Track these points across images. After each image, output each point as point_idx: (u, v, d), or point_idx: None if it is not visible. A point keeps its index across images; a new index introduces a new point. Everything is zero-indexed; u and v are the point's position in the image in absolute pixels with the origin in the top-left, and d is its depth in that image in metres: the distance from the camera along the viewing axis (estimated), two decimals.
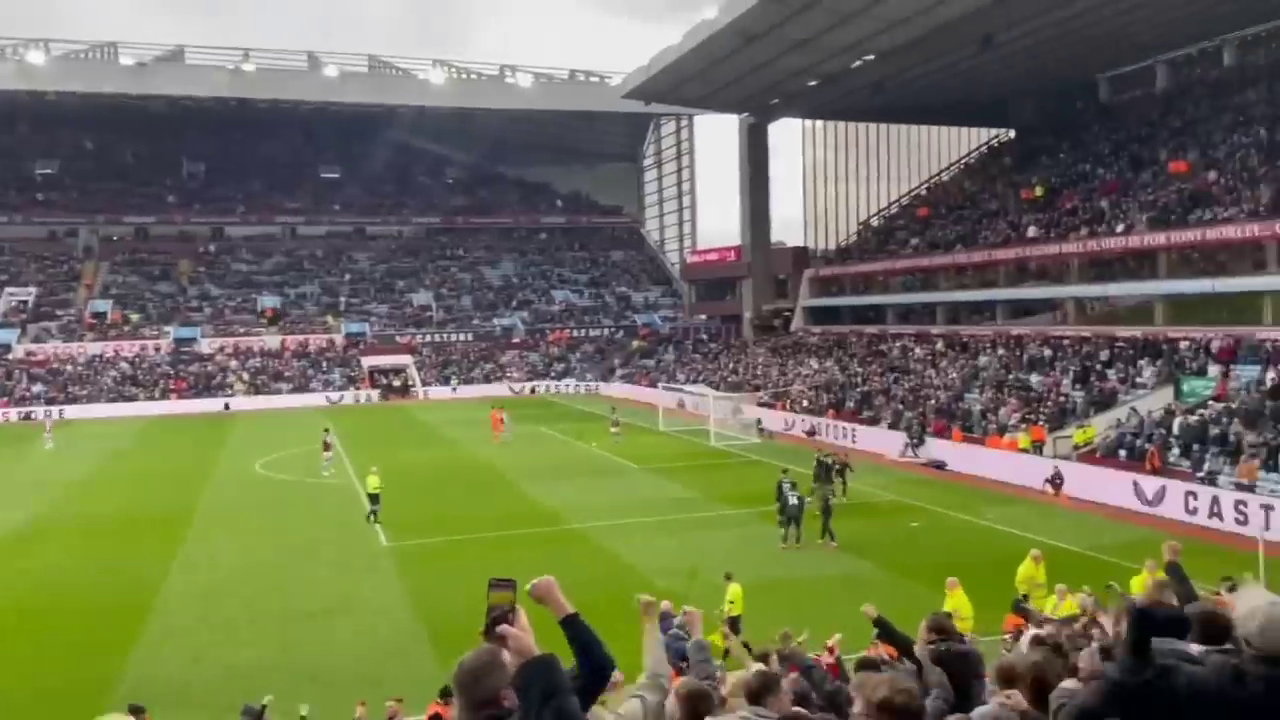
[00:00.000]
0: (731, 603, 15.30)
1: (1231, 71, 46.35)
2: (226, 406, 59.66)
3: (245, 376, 63.49)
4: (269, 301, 72.38)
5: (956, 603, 14.41)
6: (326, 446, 35.93)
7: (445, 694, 10.52)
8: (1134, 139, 45.75)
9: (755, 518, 25.01)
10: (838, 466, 27.64)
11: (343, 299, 74.42)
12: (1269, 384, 27.77)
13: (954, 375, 40.37)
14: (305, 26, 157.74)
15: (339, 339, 69.45)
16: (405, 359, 68.19)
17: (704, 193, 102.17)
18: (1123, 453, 28.38)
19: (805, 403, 44.08)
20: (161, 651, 16.47)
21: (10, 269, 71.23)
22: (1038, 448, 30.64)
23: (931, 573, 19.00)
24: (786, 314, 61.80)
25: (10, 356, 62.44)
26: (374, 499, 25.98)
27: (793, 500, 22.50)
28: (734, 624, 13.98)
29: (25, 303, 67.52)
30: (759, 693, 4.50)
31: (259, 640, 17.02)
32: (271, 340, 68.02)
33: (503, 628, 2.85)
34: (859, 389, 43.11)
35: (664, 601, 13.98)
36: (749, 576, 20.37)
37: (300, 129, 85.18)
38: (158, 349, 65.35)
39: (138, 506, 29.31)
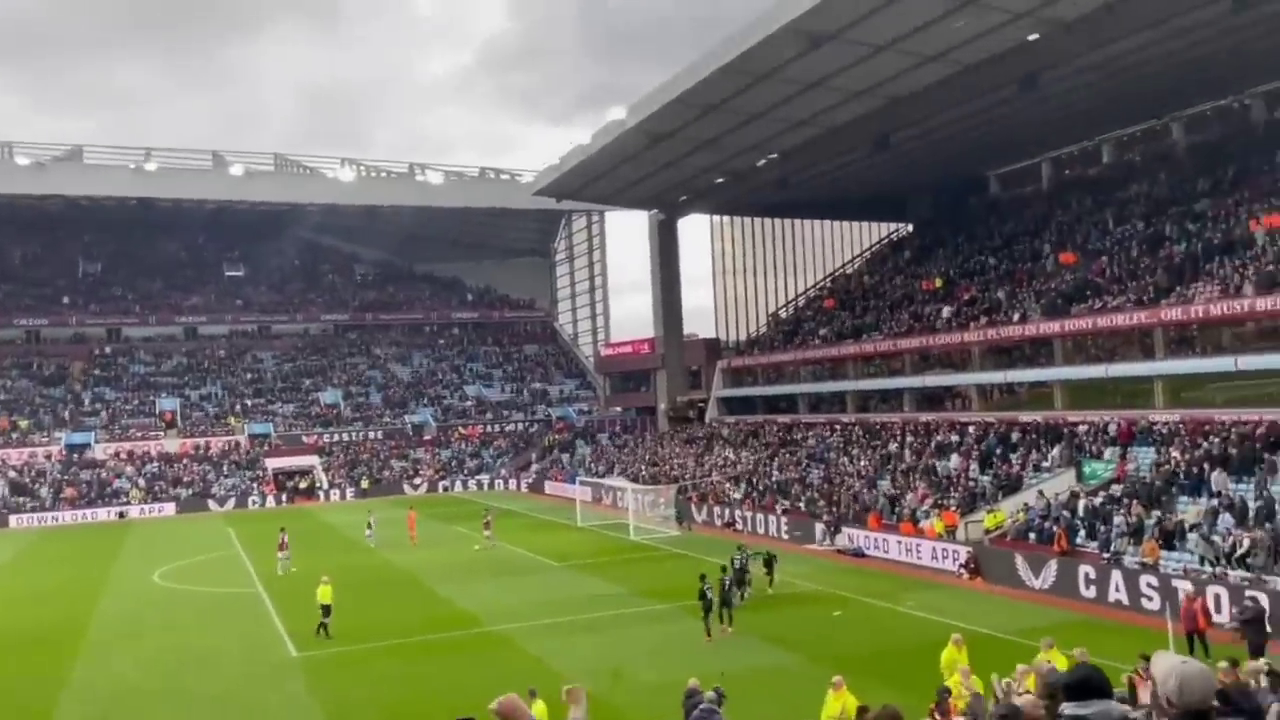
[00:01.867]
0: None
1: (1110, 169, 49.32)
2: (122, 515, 57.00)
3: (141, 483, 60.91)
4: (168, 404, 69.99)
5: (841, 704, 13.76)
6: (282, 545, 34.93)
7: None
8: (1024, 232, 48.05)
9: (679, 612, 24.73)
10: (765, 558, 27.82)
11: (246, 400, 72.42)
12: (1163, 466, 28.91)
13: (866, 463, 41.05)
14: (208, 125, 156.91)
15: (242, 440, 67.34)
16: (312, 459, 66.38)
17: (616, 284, 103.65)
18: (1032, 535, 29.06)
19: (734, 494, 44.13)
20: None
21: None
22: (950, 533, 31.17)
23: (858, 664, 18.99)
24: (701, 405, 62.31)
25: None
26: (326, 610, 24.20)
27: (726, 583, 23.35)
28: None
29: None
30: None
31: None
32: (170, 444, 65.62)
33: None
34: (775, 478, 43.45)
35: (691, 681, 14.25)
36: (675, 672, 20.05)
37: (204, 227, 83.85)
38: (48, 456, 62.39)
39: (26, 624, 27.48)
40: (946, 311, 44.15)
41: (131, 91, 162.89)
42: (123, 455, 63.58)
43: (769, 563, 27.79)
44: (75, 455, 62.92)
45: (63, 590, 32.80)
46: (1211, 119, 44.98)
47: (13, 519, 55.18)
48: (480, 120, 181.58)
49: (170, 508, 58.62)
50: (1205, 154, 42.69)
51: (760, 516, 39.61)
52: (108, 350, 75.46)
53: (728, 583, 23.83)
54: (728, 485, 45.12)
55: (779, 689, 18.33)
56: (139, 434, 66.38)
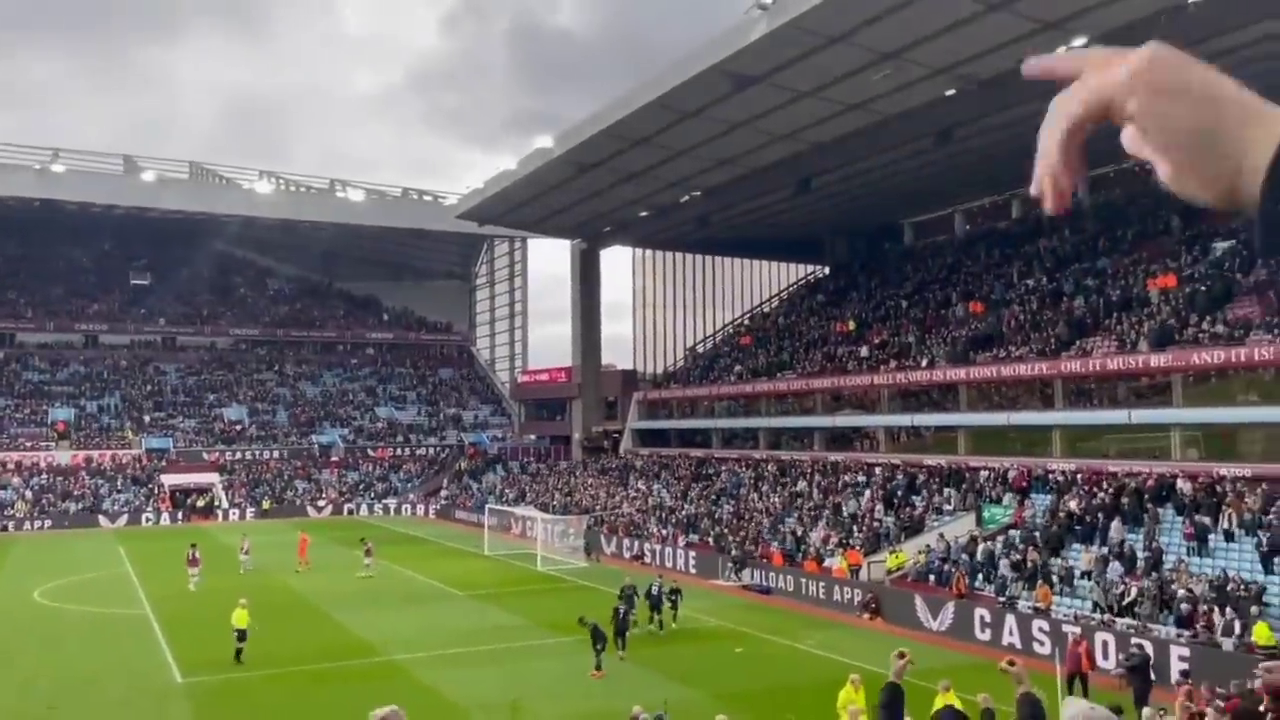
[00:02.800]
0: None
1: (1019, 223, 51.10)
2: (5, 528, 54.34)
3: (28, 495, 58.20)
4: (61, 414, 67.16)
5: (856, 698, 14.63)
6: (194, 561, 34.53)
7: None
8: (934, 280, 49.43)
9: (583, 645, 24.47)
10: (669, 590, 27.82)
11: (146, 414, 69.91)
12: (1059, 513, 29.83)
13: (775, 499, 41.45)
14: (121, 129, 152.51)
15: (139, 455, 64.91)
16: (212, 477, 64.31)
17: (536, 311, 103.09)
18: (931, 578, 29.63)
19: (653, 526, 44.03)
20: None
21: None
22: (855, 572, 31.61)
23: (756, 700, 19.05)
24: (615, 435, 62.27)
25: None
26: (241, 635, 23.17)
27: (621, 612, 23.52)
28: None
29: None
30: None
31: None
32: (61, 456, 62.91)
33: None
34: (685, 512, 43.57)
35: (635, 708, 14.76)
36: (577, 707, 19.87)
37: (111, 234, 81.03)
38: None
39: None
40: (865, 351, 45.05)
41: (40, 89, 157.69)
42: (10, 465, 60.73)
43: (674, 596, 27.81)
44: None
45: None
46: (1114, 180, 47.02)
47: None
48: (405, 140, 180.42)
49: (57, 522, 56.07)
50: (1107, 214, 44.55)
51: (669, 550, 39.63)
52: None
53: (622, 610, 23.96)
54: (641, 518, 45.05)
55: None
56: (28, 444, 63.52)
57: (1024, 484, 32.87)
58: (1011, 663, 4.93)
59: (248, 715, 19.21)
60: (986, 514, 32.56)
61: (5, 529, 54.21)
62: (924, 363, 40.55)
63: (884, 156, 42.15)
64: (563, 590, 34.36)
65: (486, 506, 52.30)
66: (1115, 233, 41.79)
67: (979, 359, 38.07)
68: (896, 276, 53.31)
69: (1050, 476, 32.71)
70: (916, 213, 56.82)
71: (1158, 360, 31.07)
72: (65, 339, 75.39)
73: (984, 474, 34.91)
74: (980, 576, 28.50)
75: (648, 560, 39.87)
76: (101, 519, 57.33)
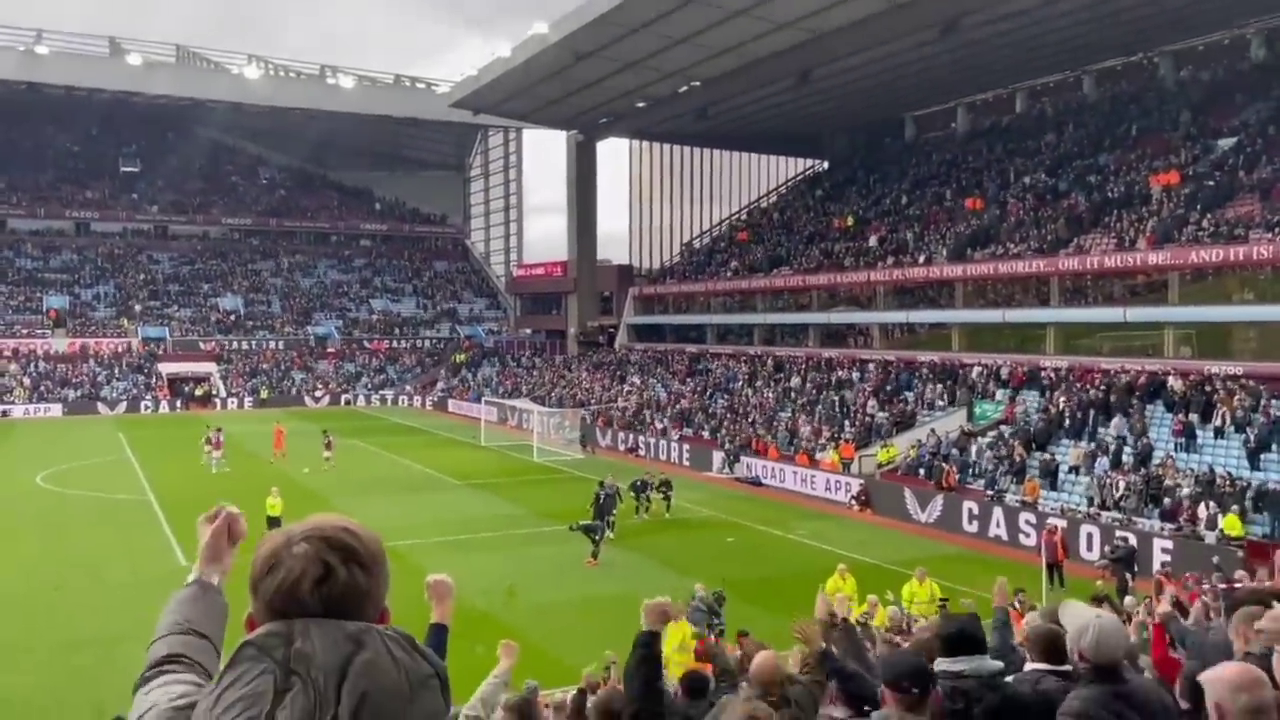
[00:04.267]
0: None
1: (1022, 118, 50.29)
2: (5, 414, 54.79)
3: (26, 382, 58.49)
4: (56, 302, 66.96)
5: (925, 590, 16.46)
6: (217, 444, 35.68)
7: None
8: (934, 176, 48.86)
9: (579, 534, 25.01)
10: (658, 482, 28.32)
11: (140, 302, 69.72)
12: (1050, 410, 30.17)
13: (769, 395, 41.82)
14: (101, 6, 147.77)
15: (135, 344, 65.01)
16: (209, 366, 64.59)
17: (532, 204, 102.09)
18: (921, 471, 30.13)
19: (658, 422, 44.50)
20: None
21: None
22: (846, 465, 32.12)
23: (747, 588, 19.57)
24: (611, 330, 62.42)
25: None
26: (274, 523, 22.66)
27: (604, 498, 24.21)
28: None
29: None
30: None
31: (39, 668, 15.64)
32: (58, 343, 62.98)
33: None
34: (678, 406, 43.99)
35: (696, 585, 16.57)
36: (572, 593, 20.42)
37: (99, 119, 79.28)
38: None
39: None
40: (855, 250, 44.82)
41: None
42: (6, 353, 60.83)
43: (665, 488, 28.35)
44: None
45: None
46: (1121, 74, 46.07)
47: None
48: (397, 21, 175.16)
49: (57, 409, 56.53)
50: (1112, 109, 43.80)
51: (662, 443, 40.15)
52: None
53: (602, 496, 24.46)
54: (636, 411, 45.49)
55: None
56: (24, 331, 63.52)
57: (1018, 381, 33.14)
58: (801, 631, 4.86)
59: (244, 599, 19.71)
60: (978, 410, 32.92)
61: (5, 414, 54.66)
62: (921, 259, 40.39)
63: (887, 48, 41.11)
64: (559, 481, 34.92)
65: (483, 399, 52.76)
66: (1118, 129, 41.16)
67: (976, 256, 37.92)
68: (896, 172, 52.67)
69: (1043, 374, 32.96)
70: (918, 107, 55.77)
71: (1156, 258, 30.98)
72: (56, 226, 74.65)
73: (976, 370, 35.16)
74: (969, 472, 28.98)
75: (642, 453, 40.44)
76: (100, 406, 57.78)
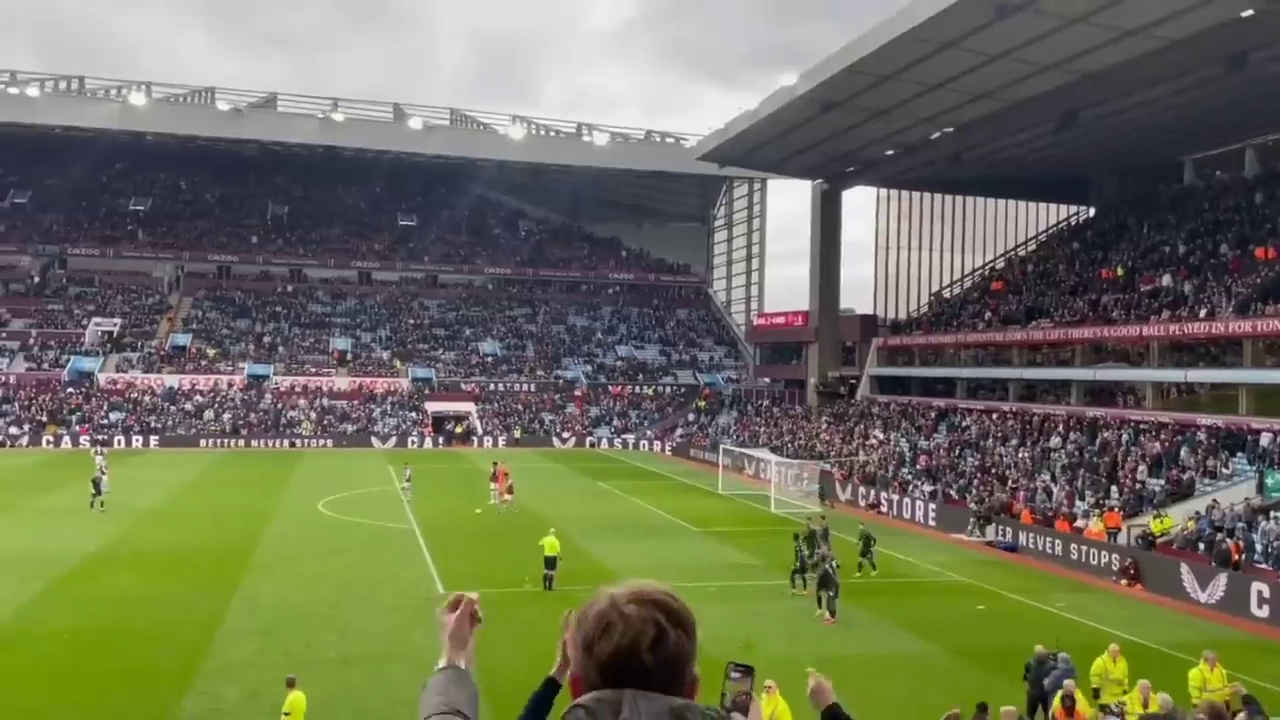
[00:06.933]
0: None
1: None
2: (293, 444, 60.71)
3: (313, 416, 64.62)
4: (340, 344, 73.86)
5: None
6: (498, 478, 36.65)
7: None
8: (1219, 223, 44.79)
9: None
10: (863, 536, 27.34)
11: (411, 344, 75.64)
12: None
13: (1025, 454, 39.44)
14: (382, 70, 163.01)
15: (404, 384, 70.45)
16: (469, 406, 68.86)
17: (774, 252, 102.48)
18: (1201, 546, 27.34)
19: (891, 475, 43.28)
20: (219, 686, 16.59)
21: (99, 299, 73.81)
22: (1112, 535, 29.68)
23: (997, 659, 18.42)
24: (852, 381, 61.20)
25: (93, 384, 64.43)
26: (550, 563, 24.27)
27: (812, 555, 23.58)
28: None
29: (110, 333, 69.78)
30: None
31: (315, 680, 17.03)
32: (340, 381, 69.27)
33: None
34: (925, 463, 42.32)
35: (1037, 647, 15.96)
36: (804, 650, 19.96)
37: (382, 177, 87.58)
38: (230, 385, 66.83)
39: (204, 539, 29.80)
40: (1125, 302, 41.68)
41: (310, 33, 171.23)
42: (297, 389, 67.57)
43: (866, 543, 27.19)
44: (255, 385, 67.22)
45: (239, 511, 35.26)
46: None
47: (202, 441, 59.69)
48: (644, 76, 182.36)
49: (337, 442, 62.02)
50: None
51: (908, 501, 38.72)
52: (289, 289, 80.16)
53: (802, 550, 23.91)
54: (880, 466, 44.21)
55: (910, 676, 18.01)
56: (313, 369, 70.36)
57: None
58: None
59: (498, 625, 20.60)
60: (1270, 481, 29.51)
61: (294, 445, 60.58)
62: (1203, 313, 37.00)
63: (1164, 87, 38.27)
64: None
65: (721, 447, 53.03)
66: None
67: (1268, 310, 34.28)
68: (1173, 219, 48.71)
69: None
70: (1199, 149, 51.43)
71: None
72: (343, 275, 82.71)
73: (1267, 437, 31.61)
74: (1259, 549, 26.01)
75: (884, 510, 39.19)
76: (373, 440, 62.89)
